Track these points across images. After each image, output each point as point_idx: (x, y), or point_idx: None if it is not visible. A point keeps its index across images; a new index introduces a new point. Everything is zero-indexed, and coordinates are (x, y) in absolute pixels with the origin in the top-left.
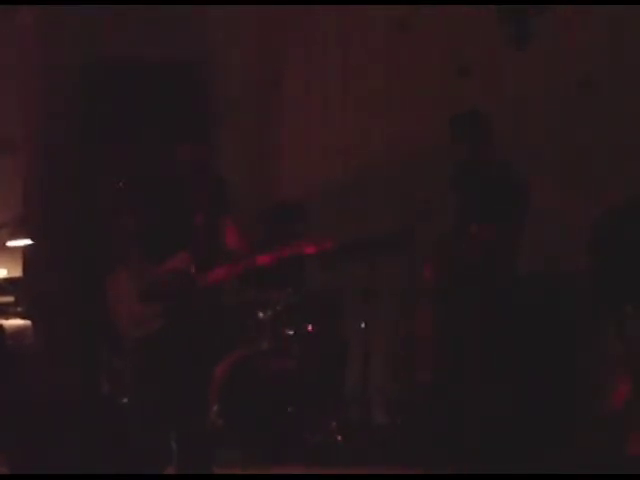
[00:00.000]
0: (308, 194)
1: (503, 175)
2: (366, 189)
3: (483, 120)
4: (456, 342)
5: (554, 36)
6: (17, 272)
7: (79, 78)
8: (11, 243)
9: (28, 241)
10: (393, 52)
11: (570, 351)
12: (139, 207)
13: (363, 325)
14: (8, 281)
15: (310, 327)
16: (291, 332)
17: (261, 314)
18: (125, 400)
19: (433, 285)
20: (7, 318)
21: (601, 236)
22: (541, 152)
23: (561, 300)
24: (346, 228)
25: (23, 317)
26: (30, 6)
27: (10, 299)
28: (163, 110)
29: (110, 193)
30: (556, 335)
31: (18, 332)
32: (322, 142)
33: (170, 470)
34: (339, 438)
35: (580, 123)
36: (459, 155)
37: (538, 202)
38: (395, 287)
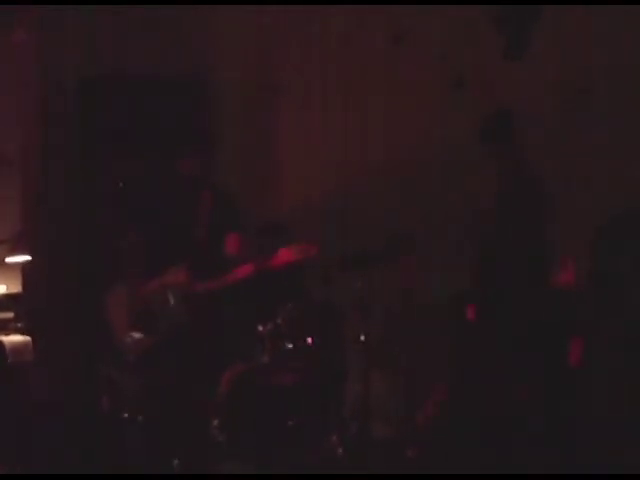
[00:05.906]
0: (307, 207)
1: (528, 179)
2: (365, 201)
3: (512, 120)
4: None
5: (550, 43)
6: (17, 288)
7: (77, 93)
8: (10, 259)
9: (27, 257)
10: (389, 63)
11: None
12: (138, 222)
13: (363, 338)
14: (8, 297)
15: (310, 340)
16: (291, 346)
17: (261, 328)
18: (126, 415)
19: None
20: (7, 334)
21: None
22: (541, 159)
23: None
24: (346, 240)
25: (23, 333)
26: (26, 23)
27: (10, 315)
28: (163, 125)
29: (109, 207)
30: (560, 337)
31: (18, 348)
32: (321, 155)
33: None
34: (340, 452)
35: (579, 130)
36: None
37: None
38: (394, 300)
